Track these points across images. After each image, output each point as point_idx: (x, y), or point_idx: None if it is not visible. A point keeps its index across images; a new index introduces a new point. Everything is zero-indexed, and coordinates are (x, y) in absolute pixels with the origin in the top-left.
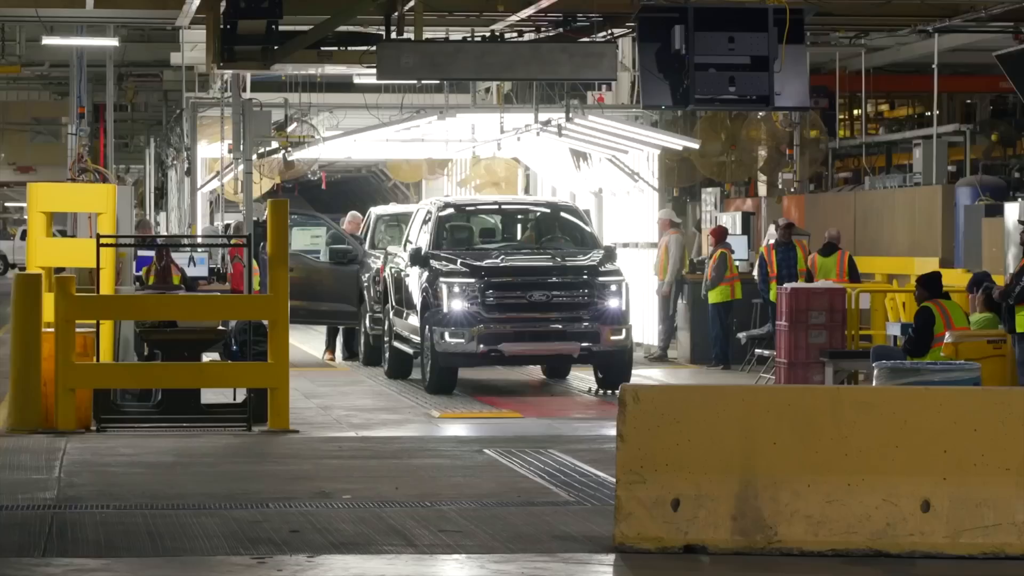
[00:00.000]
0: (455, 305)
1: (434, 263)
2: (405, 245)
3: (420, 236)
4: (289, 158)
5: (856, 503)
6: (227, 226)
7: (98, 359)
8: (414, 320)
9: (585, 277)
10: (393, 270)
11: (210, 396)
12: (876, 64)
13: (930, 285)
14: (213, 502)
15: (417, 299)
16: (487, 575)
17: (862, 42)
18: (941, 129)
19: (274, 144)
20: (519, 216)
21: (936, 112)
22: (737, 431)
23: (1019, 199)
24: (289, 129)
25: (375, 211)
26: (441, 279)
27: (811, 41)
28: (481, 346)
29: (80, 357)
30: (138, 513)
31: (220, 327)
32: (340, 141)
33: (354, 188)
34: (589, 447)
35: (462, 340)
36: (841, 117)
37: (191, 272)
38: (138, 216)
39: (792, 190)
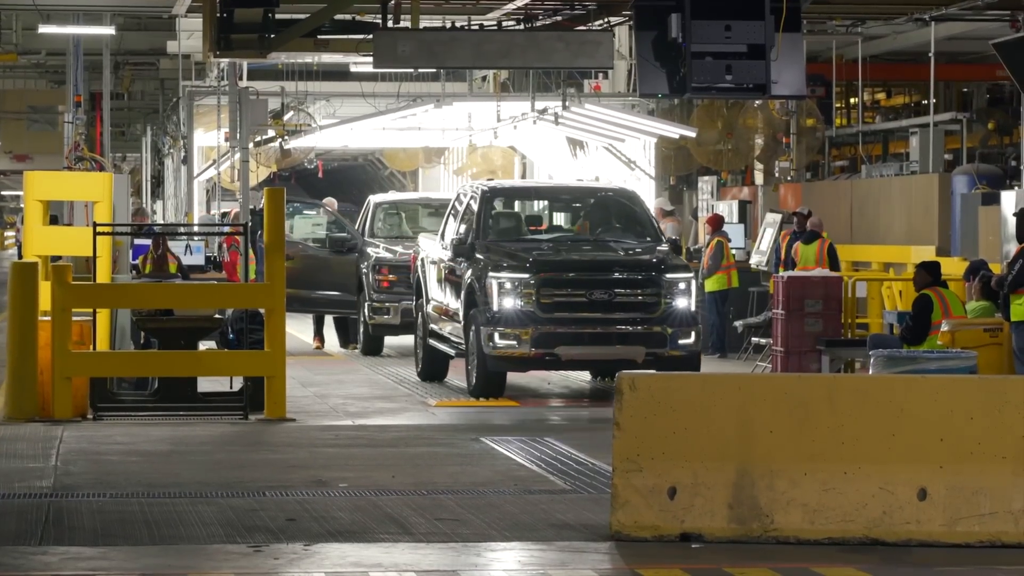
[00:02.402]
0: (506, 303)
1: (481, 256)
2: (442, 234)
3: (461, 225)
4: (286, 146)
5: (852, 491)
6: (223, 214)
7: (95, 347)
8: (456, 318)
9: (653, 274)
10: (429, 262)
11: (206, 384)
12: (873, 52)
13: (933, 272)
14: (209, 490)
15: (461, 295)
16: (484, 563)
17: (859, 30)
18: (938, 117)
19: (271, 132)
20: (571, 203)
21: (933, 100)
22: (734, 419)
23: (1016, 188)
24: (286, 117)
25: (374, 199)
26: (491, 274)
27: (808, 29)
28: (535, 349)
29: (76, 345)
30: (134, 501)
31: (216, 315)
32: (337, 129)
33: (350, 176)
34: (586, 435)
35: (514, 342)
36: (838, 105)
37: (188, 261)
38: (135, 205)
39: (789, 178)
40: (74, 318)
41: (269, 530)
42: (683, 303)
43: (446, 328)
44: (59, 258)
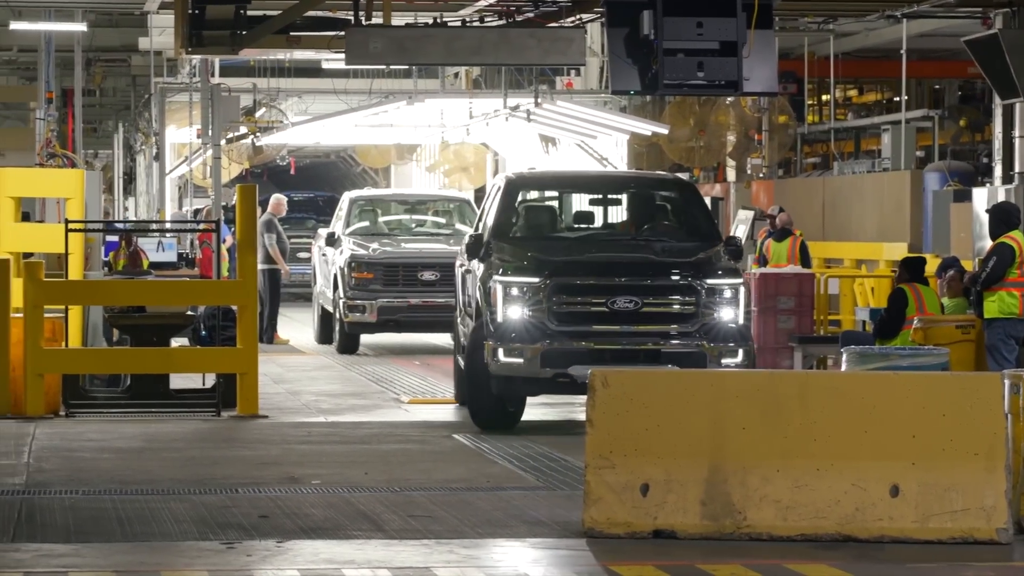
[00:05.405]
0: (512, 313)
1: (495, 257)
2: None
3: (486, 221)
4: (258, 143)
5: (825, 488)
6: (196, 211)
7: (67, 344)
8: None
9: (689, 279)
10: (459, 264)
11: (179, 381)
12: (845, 49)
13: (912, 268)
14: (182, 487)
15: (473, 303)
16: (456, 560)
17: (831, 27)
18: (909, 114)
19: (243, 129)
20: (612, 196)
21: (904, 97)
22: (706, 416)
23: (987, 185)
24: (258, 114)
25: (349, 195)
26: (496, 278)
27: (780, 26)
28: (545, 368)
29: (49, 342)
30: (107, 498)
31: (189, 312)
32: (309, 126)
33: (323, 173)
34: (559, 432)
35: (520, 360)
36: (810, 102)
37: (160, 257)
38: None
39: (761, 175)
40: (46, 315)
41: (242, 527)
42: (728, 314)
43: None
44: (31, 255)
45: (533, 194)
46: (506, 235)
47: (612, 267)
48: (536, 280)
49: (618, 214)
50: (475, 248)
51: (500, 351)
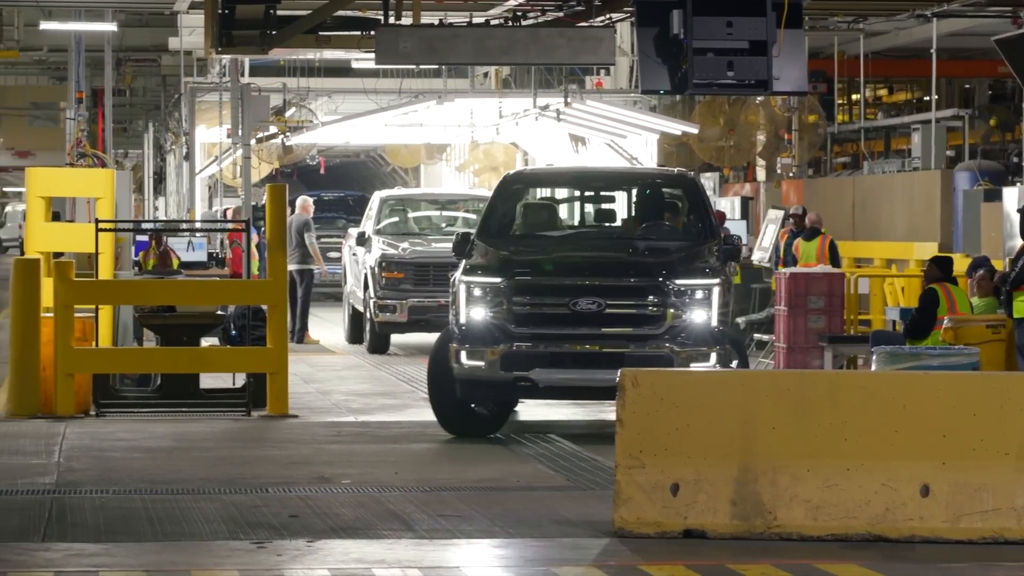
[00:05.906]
0: (475, 314)
1: (473, 257)
2: None
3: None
4: (288, 143)
5: (855, 488)
6: (225, 211)
7: (97, 344)
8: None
9: (658, 279)
10: None
11: (209, 381)
12: (875, 49)
13: (944, 267)
14: (212, 487)
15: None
16: (487, 560)
17: (861, 27)
18: (940, 114)
19: (272, 129)
20: (609, 193)
21: (935, 97)
22: (736, 416)
23: (1018, 185)
24: (287, 114)
25: (379, 195)
26: (461, 278)
27: (809, 26)
28: (506, 372)
29: (79, 342)
30: (137, 498)
31: (219, 312)
32: (338, 126)
33: (352, 173)
34: (588, 432)
35: (482, 363)
36: (840, 102)
37: (190, 257)
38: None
39: (790, 175)
40: (76, 315)
41: (272, 526)
42: (699, 316)
43: None
44: (61, 254)
45: (530, 192)
46: (490, 234)
47: (576, 267)
48: (497, 280)
49: (616, 211)
50: (460, 247)
51: (463, 354)
